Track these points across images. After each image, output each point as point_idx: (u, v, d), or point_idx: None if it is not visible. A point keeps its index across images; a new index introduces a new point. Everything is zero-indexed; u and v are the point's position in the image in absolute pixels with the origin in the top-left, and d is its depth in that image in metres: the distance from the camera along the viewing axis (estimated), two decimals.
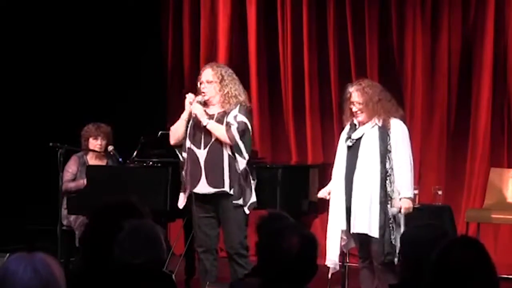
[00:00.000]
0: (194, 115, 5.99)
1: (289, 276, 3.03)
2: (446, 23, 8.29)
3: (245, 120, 6.00)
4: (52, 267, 2.42)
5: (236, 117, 5.98)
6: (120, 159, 6.97)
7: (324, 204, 6.96)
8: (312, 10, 8.72)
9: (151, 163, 6.59)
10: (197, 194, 5.98)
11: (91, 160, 7.35)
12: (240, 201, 5.96)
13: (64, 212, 6.94)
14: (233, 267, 6.00)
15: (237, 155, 5.96)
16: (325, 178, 6.98)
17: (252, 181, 6.05)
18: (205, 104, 6.04)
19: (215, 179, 5.93)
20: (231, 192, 5.93)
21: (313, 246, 3.09)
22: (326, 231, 6.04)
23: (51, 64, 8.80)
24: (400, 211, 5.74)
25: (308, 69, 8.73)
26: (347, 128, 5.97)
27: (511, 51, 8.11)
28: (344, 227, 5.86)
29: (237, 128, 5.94)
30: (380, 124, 5.81)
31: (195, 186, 5.97)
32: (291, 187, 6.58)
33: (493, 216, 7.48)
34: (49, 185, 7.01)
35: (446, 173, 8.28)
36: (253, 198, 6.02)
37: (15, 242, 7.49)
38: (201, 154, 5.98)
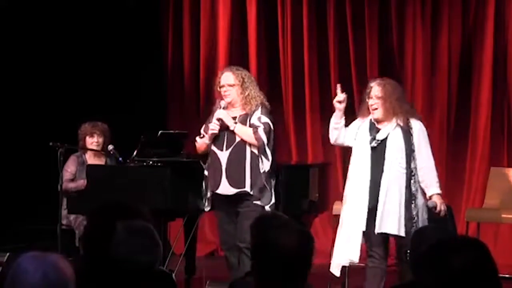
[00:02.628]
0: (219, 120, 6.06)
1: (285, 274, 3.03)
2: (446, 22, 8.30)
3: (269, 121, 6.09)
4: (63, 271, 2.42)
5: (260, 118, 6.06)
6: (120, 159, 6.97)
7: (324, 204, 6.96)
8: (312, 10, 8.72)
9: (151, 162, 6.58)
10: (218, 195, 6.07)
11: (90, 159, 7.35)
12: (259, 202, 6.02)
13: (64, 212, 6.93)
14: (243, 260, 6.04)
15: (262, 156, 6.03)
16: (325, 178, 6.96)
17: (272, 182, 6.11)
18: (226, 107, 6.13)
19: (236, 179, 6.01)
20: (252, 192, 5.99)
21: (310, 244, 3.09)
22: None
23: (51, 63, 8.79)
24: (435, 207, 5.80)
25: (308, 69, 8.73)
26: (366, 126, 5.93)
27: (511, 51, 8.11)
28: (364, 228, 5.83)
29: (264, 129, 6.02)
30: (402, 124, 5.85)
31: (216, 188, 6.07)
32: (291, 187, 6.58)
33: (493, 215, 7.48)
34: (49, 185, 7.00)
35: (446, 173, 8.27)
36: (273, 200, 6.09)
37: (15, 242, 7.49)
38: (223, 155, 6.06)
